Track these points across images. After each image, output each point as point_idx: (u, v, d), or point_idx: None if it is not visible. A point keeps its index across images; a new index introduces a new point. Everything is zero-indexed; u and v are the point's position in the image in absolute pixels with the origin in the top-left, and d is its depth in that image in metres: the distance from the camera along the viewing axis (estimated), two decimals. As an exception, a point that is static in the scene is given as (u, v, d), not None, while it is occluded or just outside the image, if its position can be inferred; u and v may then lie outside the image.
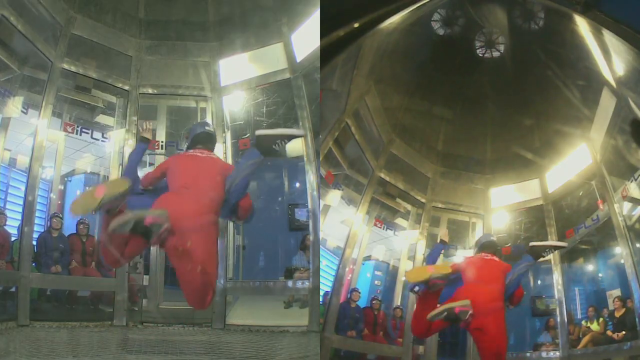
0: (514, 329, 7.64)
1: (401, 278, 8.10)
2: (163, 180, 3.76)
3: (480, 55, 8.16)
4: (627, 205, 6.63)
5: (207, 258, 3.37)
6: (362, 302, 7.55)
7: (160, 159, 6.50)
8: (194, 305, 3.62)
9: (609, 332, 6.49)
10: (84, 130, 7.03)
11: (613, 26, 5.67)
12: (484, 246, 4.60)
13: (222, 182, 3.58)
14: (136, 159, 4.06)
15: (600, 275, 7.45)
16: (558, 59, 7.25)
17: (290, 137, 3.54)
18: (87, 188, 3.26)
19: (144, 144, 4.10)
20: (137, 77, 6.82)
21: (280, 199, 8.18)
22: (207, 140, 3.94)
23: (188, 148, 3.93)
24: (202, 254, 3.31)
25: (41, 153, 6.00)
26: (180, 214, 3.25)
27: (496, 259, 4.50)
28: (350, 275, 7.36)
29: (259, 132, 3.59)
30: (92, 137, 7.09)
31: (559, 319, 7.02)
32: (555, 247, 4.97)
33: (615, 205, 6.65)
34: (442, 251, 4.97)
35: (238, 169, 3.66)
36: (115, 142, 6.73)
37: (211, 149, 3.96)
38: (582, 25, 6.27)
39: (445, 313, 4.04)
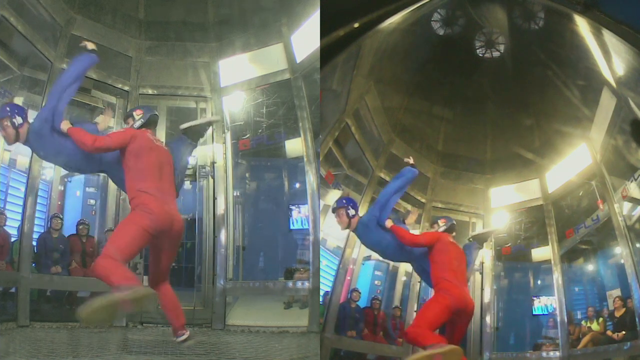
0: (514, 329, 7.65)
1: (401, 278, 8.11)
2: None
3: (480, 55, 8.16)
4: (627, 205, 6.63)
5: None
6: (362, 302, 7.53)
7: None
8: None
9: (609, 332, 6.49)
10: (84, 131, 7.02)
11: (613, 26, 5.67)
12: (450, 228, 5.10)
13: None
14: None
15: (600, 275, 7.45)
16: (558, 59, 7.25)
17: (211, 124, 4.27)
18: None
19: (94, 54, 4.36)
20: (137, 78, 6.81)
21: (280, 199, 8.16)
22: (155, 123, 4.39)
23: (142, 126, 4.19)
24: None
25: (41, 154, 5.99)
26: (175, 227, 3.79)
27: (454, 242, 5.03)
28: (350, 275, 7.36)
29: (183, 125, 4.26)
30: (92, 137, 7.06)
31: (559, 319, 7.01)
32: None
33: (615, 205, 6.65)
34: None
35: (179, 162, 4.15)
36: (115, 143, 6.71)
37: (154, 132, 4.38)
38: (582, 25, 6.26)
39: None
